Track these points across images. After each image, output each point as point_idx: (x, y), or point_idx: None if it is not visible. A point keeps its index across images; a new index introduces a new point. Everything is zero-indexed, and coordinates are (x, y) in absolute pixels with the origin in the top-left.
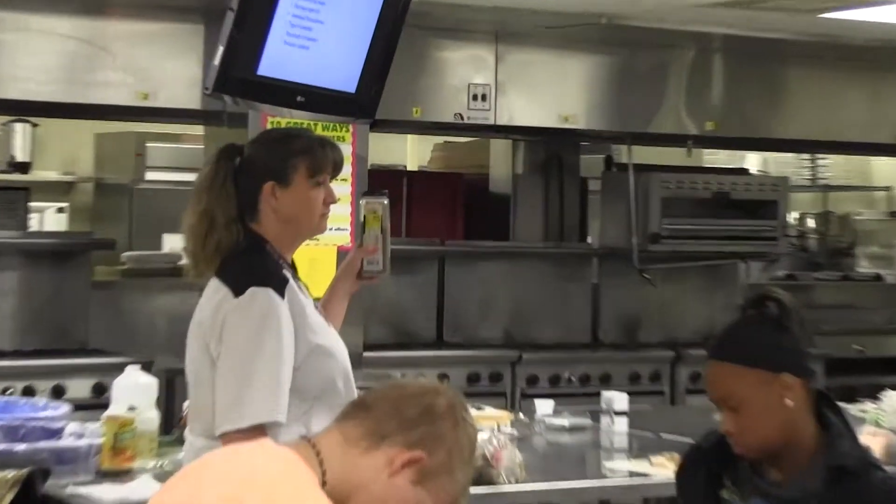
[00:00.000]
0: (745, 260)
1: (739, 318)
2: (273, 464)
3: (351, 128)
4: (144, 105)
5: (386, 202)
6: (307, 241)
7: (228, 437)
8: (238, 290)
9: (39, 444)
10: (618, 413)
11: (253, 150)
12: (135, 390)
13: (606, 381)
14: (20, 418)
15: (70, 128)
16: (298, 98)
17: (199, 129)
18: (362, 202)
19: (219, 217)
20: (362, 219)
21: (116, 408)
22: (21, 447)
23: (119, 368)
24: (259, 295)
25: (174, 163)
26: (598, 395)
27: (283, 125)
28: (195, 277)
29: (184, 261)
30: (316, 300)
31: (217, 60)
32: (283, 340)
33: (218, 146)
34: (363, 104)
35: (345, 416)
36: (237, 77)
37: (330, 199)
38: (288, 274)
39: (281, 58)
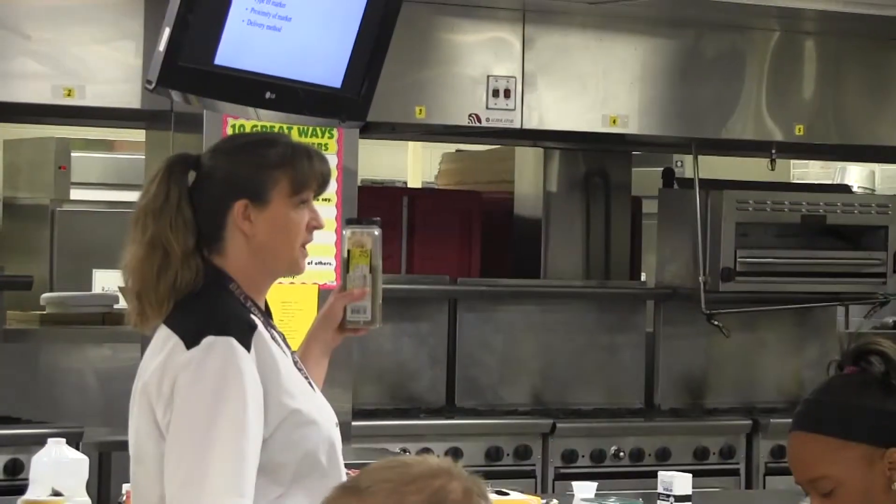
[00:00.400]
0: (845, 303)
1: (835, 379)
2: None
3: (336, 133)
4: (69, 104)
5: (377, 233)
6: (280, 279)
7: None
8: (191, 341)
9: None
10: (680, 499)
11: (215, 161)
12: (60, 469)
13: (665, 458)
14: None
15: None
16: (267, 94)
17: (138, 135)
18: (346, 233)
19: (174, 248)
20: (346, 254)
21: (37, 492)
22: None
23: (38, 441)
24: (217, 346)
25: (106, 178)
26: (653, 475)
27: (248, 129)
28: (141, 326)
29: (122, 304)
30: (294, 353)
31: (162, 46)
32: (247, 403)
33: (164, 156)
34: (351, 102)
35: (333, 500)
36: (189, 67)
37: (315, 224)
38: (257, 319)
39: (244, 43)
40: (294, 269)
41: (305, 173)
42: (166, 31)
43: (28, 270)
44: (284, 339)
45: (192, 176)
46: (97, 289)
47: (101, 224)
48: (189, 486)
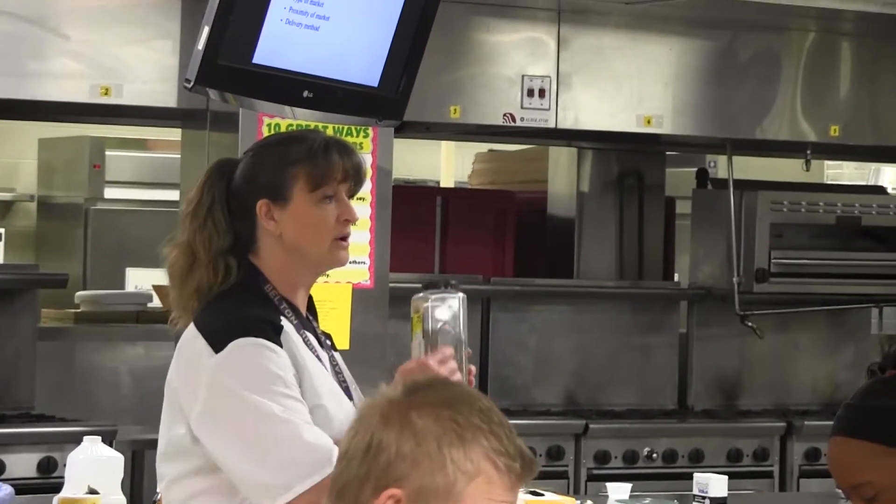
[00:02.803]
0: (880, 305)
1: (876, 383)
2: None
3: (371, 132)
4: (105, 102)
5: (431, 301)
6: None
7: None
8: (218, 344)
9: None
10: (715, 500)
11: (244, 163)
12: (95, 468)
13: (698, 460)
14: None
15: (8, 132)
16: (305, 93)
17: (171, 134)
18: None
19: (199, 251)
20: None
21: (72, 489)
22: None
23: (73, 439)
24: (246, 347)
25: (140, 176)
26: (686, 476)
27: (283, 128)
28: (180, 328)
29: (156, 302)
30: (335, 354)
31: (201, 45)
32: (287, 390)
33: (200, 155)
34: (388, 102)
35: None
36: (227, 66)
37: (347, 217)
38: (288, 321)
39: (283, 42)
40: (329, 263)
41: (324, 167)
42: (205, 30)
43: (62, 269)
44: (325, 340)
45: (232, 180)
46: (130, 287)
47: (135, 223)
48: (283, 466)
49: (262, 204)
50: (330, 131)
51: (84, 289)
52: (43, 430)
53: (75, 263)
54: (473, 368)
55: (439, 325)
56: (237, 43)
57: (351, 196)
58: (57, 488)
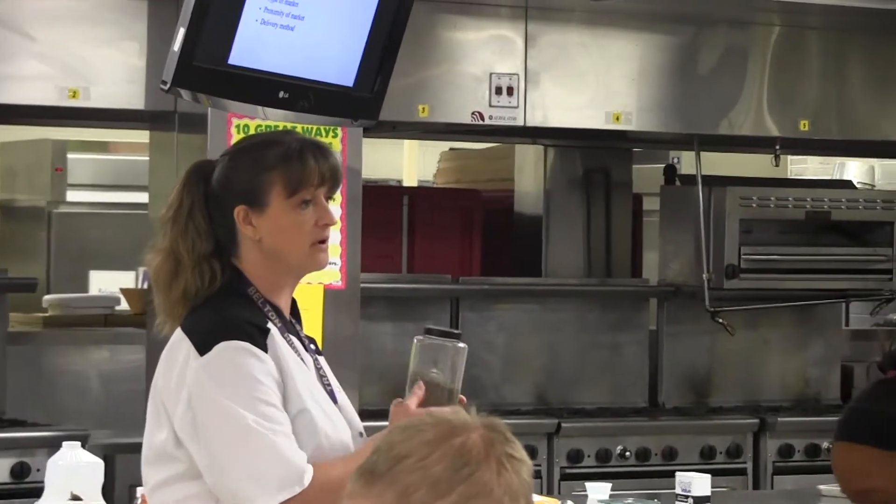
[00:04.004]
0: (850, 299)
1: (879, 385)
2: None
3: (340, 132)
4: (73, 105)
5: (427, 346)
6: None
7: None
8: (204, 347)
9: None
10: (698, 500)
11: (221, 167)
12: (76, 473)
13: (671, 458)
14: None
15: None
16: (281, 94)
17: (134, 136)
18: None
19: (183, 256)
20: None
21: (54, 496)
22: None
23: (45, 444)
24: (230, 352)
25: (102, 179)
26: (659, 475)
27: (252, 129)
28: (167, 333)
29: (124, 306)
30: (319, 357)
31: (177, 46)
32: (269, 396)
33: (168, 157)
34: (364, 101)
35: (353, 492)
36: (203, 67)
37: (324, 221)
38: (273, 324)
39: (258, 42)
40: (309, 267)
41: (300, 172)
42: (181, 31)
43: (25, 272)
44: (309, 343)
45: (211, 183)
46: (94, 290)
47: (98, 225)
48: (252, 479)
49: (240, 210)
50: (298, 130)
51: (48, 292)
52: (14, 435)
53: (38, 267)
54: None
55: (428, 372)
56: (213, 44)
57: (329, 197)
58: (31, 493)
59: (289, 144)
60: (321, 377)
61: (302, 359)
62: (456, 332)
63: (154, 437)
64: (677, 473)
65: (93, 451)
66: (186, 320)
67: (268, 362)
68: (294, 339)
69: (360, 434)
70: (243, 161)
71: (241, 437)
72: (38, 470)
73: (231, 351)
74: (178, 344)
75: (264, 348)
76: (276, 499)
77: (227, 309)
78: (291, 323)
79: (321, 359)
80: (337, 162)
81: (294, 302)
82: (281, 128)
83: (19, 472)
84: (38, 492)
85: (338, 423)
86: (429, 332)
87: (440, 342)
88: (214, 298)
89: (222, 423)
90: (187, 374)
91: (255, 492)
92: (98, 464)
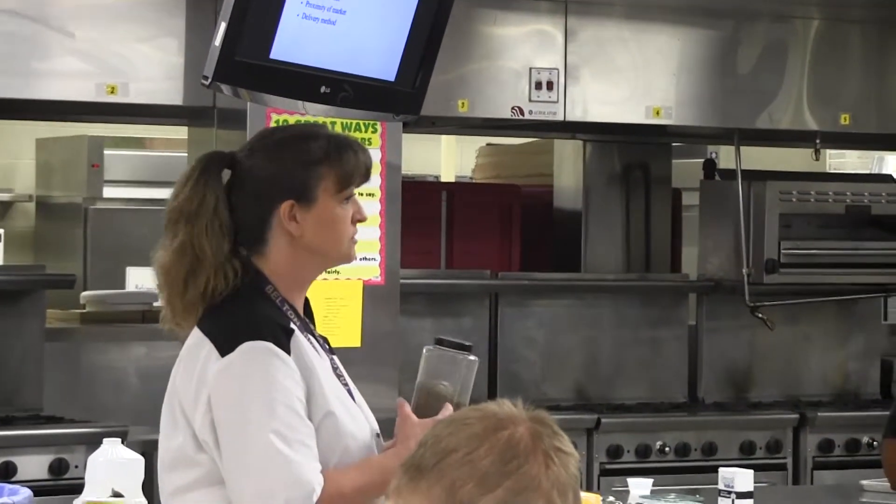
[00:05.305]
0: (890, 294)
1: None
2: None
3: (380, 127)
4: (112, 101)
5: (435, 357)
6: (324, 274)
7: None
8: (226, 348)
9: None
10: (741, 496)
11: (255, 160)
12: (116, 470)
13: (711, 453)
14: None
15: (4, 132)
16: (322, 89)
17: (170, 132)
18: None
19: (206, 255)
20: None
21: (94, 492)
22: None
23: (84, 441)
24: (255, 352)
25: (138, 175)
26: (699, 470)
27: (291, 123)
28: (173, 328)
29: (158, 303)
30: (334, 356)
31: (218, 41)
32: (293, 402)
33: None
34: (405, 96)
35: (400, 488)
36: (245, 62)
37: (359, 217)
38: (294, 324)
39: (299, 37)
40: (343, 262)
41: (350, 168)
42: (222, 26)
43: (63, 269)
44: (324, 343)
45: (226, 174)
46: (131, 286)
47: (135, 222)
48: (259, 496)
49: (287, 205)
50: (338, 126)
51: (85, 289)
52: (53, 431)
53: (75, 263)
54: None
55: (437, 383)
56: (254, 39)
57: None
58: (69, 490)
59: (329, 138)
60: (338, 376)
61: (322, 357)
62: (467, 344)
63: (171, 442)
64: (720, 468)
65: (131, 447)
66: (205, 321)
67: (291, 364)
68: (312, 338)
69: (377, 435)
70: (287, 155)
71: (255, 450)
72: (76, 466)
73: (254, 352)
74: (198, 345)
75: (287, 350)
76: None
77: (249, 308)
78: (306, 322)
79: (335, 358)
80: (371, 157)
81: (307, 301)
82: (321, 122)
83: (58, 468)
84: (76, 488)
85: (361, 422)
86: (440, 342)
87: (451, 354)
88: (234, 297)
89: (239, 432)
90: (207, 375)
91: None
92: (138, 460)
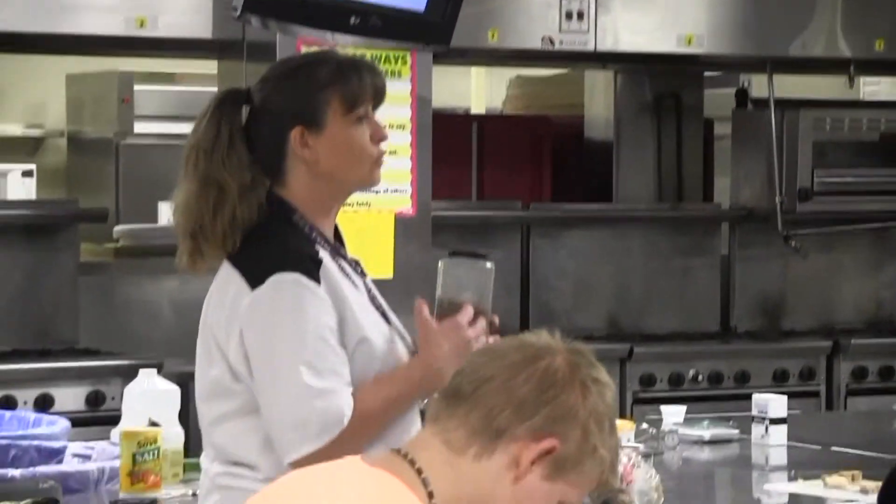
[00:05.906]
0: None
1: None
2: (368, 490)
3: (409, 59)
4: (141, 35)
5: (451, 268)
6: (355, 206)
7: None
8: (256, 280)
9: (40, 470)
10: (774, 421)
11: (266, 92)
12: (153, 400)
13: (744, 381)
14: (8, 437)
15: (34, 68)
16: (352, 19)
17: (200, 67)
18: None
19: (229, 185)
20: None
21: (132, 422)
22: (17, 473)
23: (118, 373)
24: (284, 284)
25: (169, 110)
26: (732, 398)
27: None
28: (191, 267)
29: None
30: (367, 279)
31: None
32: (325, 333)
33: (237, 86)
34: (435, 26)
35: (437, 414)
36: None
37: (379, 136)
38: (324, 252)
39: None
40: (366, 185)
41: (357, 87)
42: None
43: (94, 203)
44: (357, 267)
45: (246, 111)
46: (163, 221)
47: (166, 156)
48: (294, 426)
49: (297, 131)
50: (368, 56)
51: (117, 224)
52: (89, 363)
53: (107, 198)
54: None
55: (458, 294)
56: None
57: (374, 111)
58: (107, 420)
59: (338, 62)
60: (372, 299)
61: (353, 282)
62: (482, 252)
63: (207, 373)
64: (753, 395)
65: (167, 378)
66: (234, 254)
67: (321, 294)
68: (343, 262)
69: (415, 353)
70: (294, 81)
71: (287, 382)
72: (112, 398)
73: (284, 284)
74: (228, 279)
75: (317, 280)
76: (315, 445)
77: (278, 240)
78: (337, 247)
79: (369, 279)
80: (383, 78)
81: (336, 226)
82: (352, 53)
83: (94, 400)
84: (113, 419)
85: (396, 345)
86: (454, 254)
87: (469, 262)
88: (260, 229)
89: (271, 365)
90: (239, 309)
91: (295, 440)
92: (174, 390)
